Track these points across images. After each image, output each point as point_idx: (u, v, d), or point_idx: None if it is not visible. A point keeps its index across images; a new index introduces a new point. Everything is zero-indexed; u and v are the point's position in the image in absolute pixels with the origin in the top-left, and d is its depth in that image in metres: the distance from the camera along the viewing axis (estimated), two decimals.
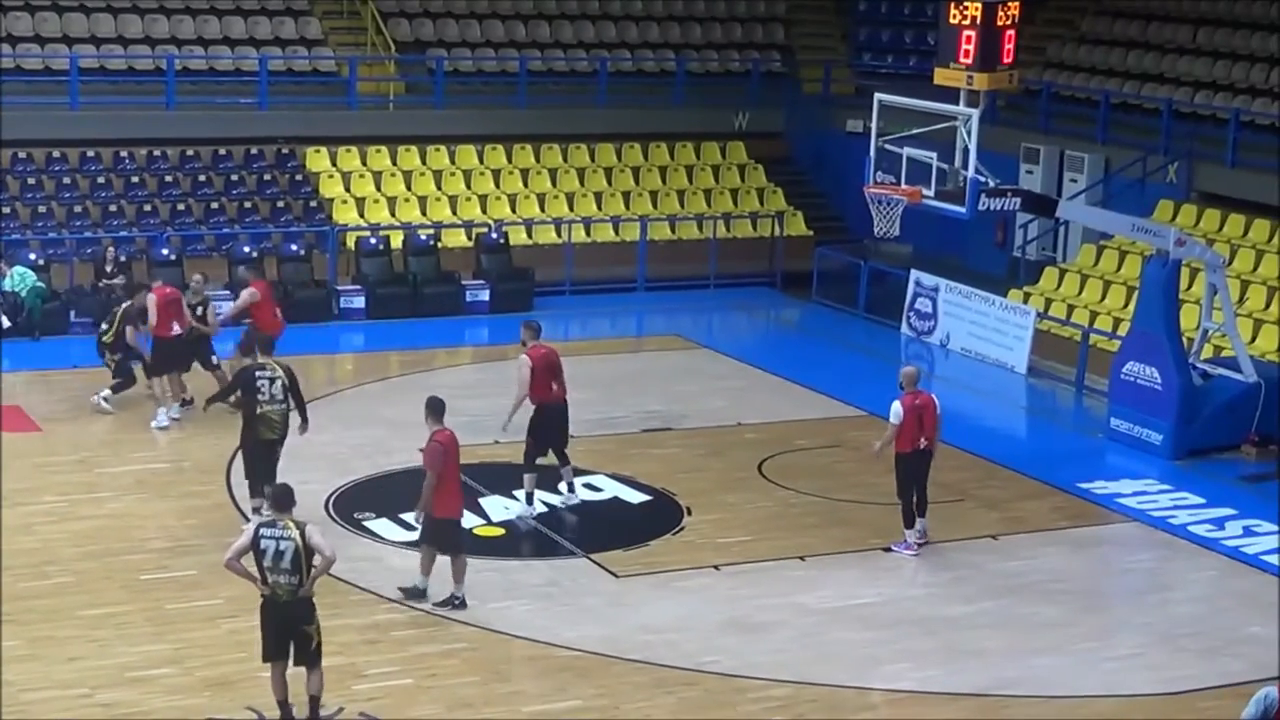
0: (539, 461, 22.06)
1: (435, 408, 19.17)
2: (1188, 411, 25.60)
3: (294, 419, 20.92)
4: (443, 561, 19.00)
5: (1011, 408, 28.99)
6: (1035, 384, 29.87)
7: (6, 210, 32.35)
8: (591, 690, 17.25)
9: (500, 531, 21.49)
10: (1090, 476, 24.67)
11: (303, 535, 15.66)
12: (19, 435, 24.29)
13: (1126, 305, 29.98)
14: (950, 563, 21.09)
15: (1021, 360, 30.17)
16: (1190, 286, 29.15)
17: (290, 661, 15.95)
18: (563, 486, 22.44)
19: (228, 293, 30.96)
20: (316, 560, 15.75)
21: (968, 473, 24.56)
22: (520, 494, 22.21)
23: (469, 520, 21.52)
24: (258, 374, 20.85)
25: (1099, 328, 29.99)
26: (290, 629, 15.84)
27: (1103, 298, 31.45)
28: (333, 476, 23.05)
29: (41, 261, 30.70)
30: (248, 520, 20.70)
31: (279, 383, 20.77)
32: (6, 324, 29.13)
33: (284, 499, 15.95)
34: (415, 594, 19.13)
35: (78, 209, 32.90)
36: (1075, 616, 19.73)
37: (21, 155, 33.35)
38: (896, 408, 21.09)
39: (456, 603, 19.02)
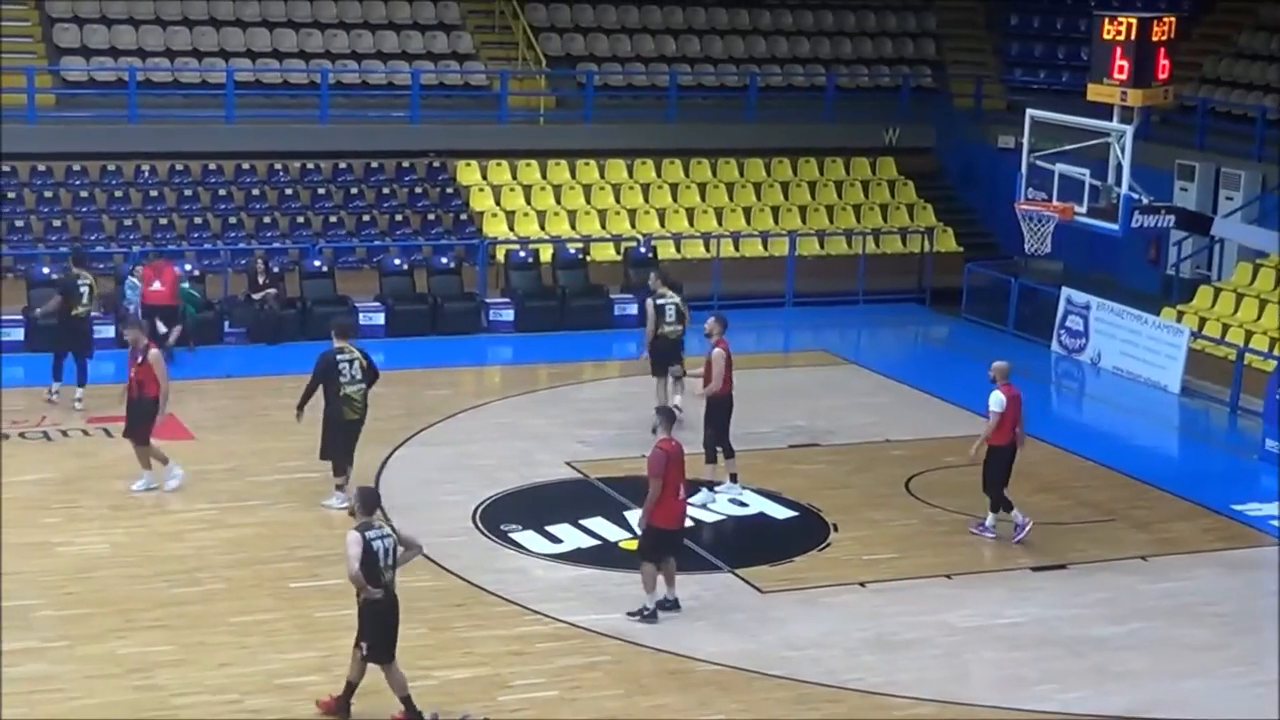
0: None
1: (666, 416, 19.46)
2: None
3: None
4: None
5: (1164, 427, 28.64)
6: (1188, 404, 29.50)
7: (164, 221, 32.87)
8: (734, 705, 17.22)
9: None
10: (1244, 498, 24.31)
11: (396, 532, 16.42)
12: (172, 443, 24.63)
13: None
14: (1099, 583, 20.86)
15: (1175, 380, 29.79)
16: None
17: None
18: (729, 483, 23.07)
19: (378, 304, 31.32)
20: (404, 552, 16.44)
21: (1118, 492, 24.32)
22: (721, 489, 22.96)
23: (615, 533, 21.64)
24: (339, 357, 21.95)
25: (1254, 347, 29.56)
26: (396, 622, 16.39)
27: (1258, 316, 30.99)
28: (480, 488, 23.19)
29: (197, 272, 31.15)
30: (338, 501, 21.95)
31: (357, 364, 21.96)
32: (162, 330, 29.51)
33: (374, 500, 16.60)
34: (646, 616, 19.09)
35: (232, 220, 33.36)
36: (1226, 639, 19.45)
37: (179, 167, 33.91)
38: (1000, 397, 21.72)
39: (668, 605, 19.24)
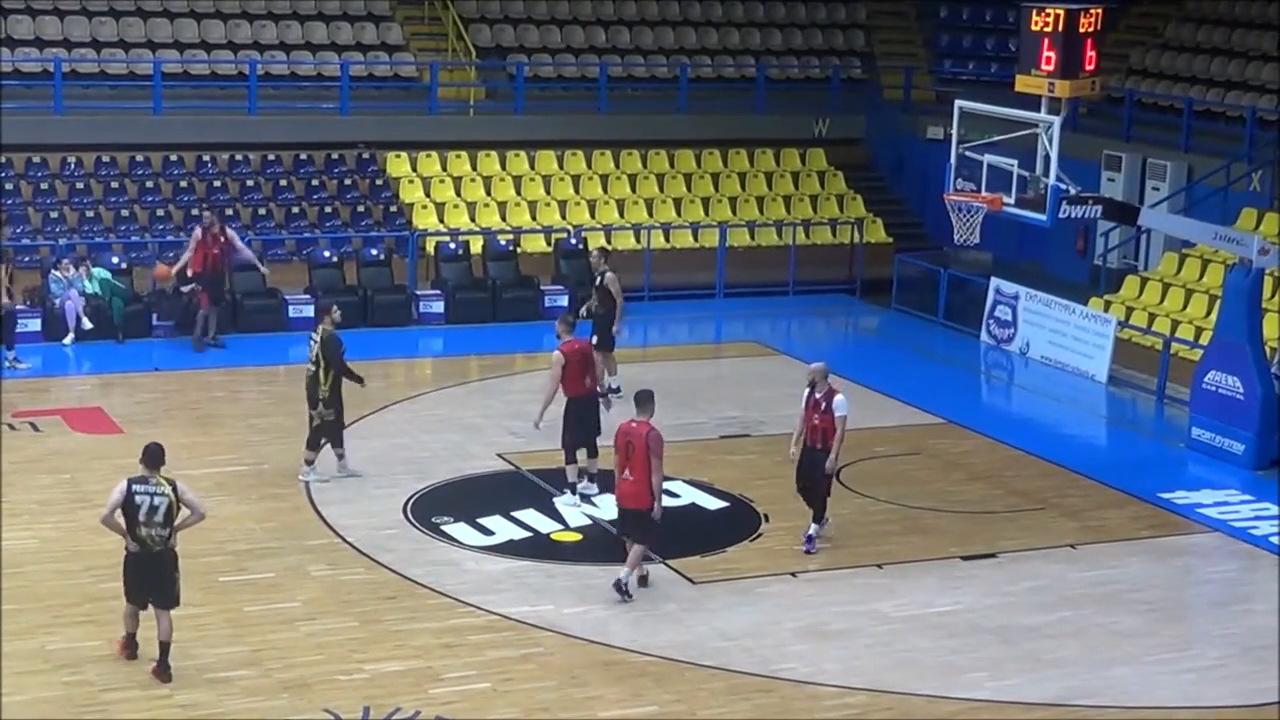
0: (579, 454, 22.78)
1: (637, 397, 19.81)
2: (1270, 421, 25.37)
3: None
4: None
5: (1092, 416, 28.80)
6: (1116, 393, 29.69)
7: (90, 214, 32.63)
8: (668, 696, 17.23)
9: (578, 537, 21.53)
10: (1171, 486, 24.50)
11: (175, 492, 16.83)
12: (100, 437, 24.48)
13: (1208, 314, 29.76)
14: (1029, 572, 20.97)
15: (1102, 369, 29.98)
16: (1273, 295, 28.94)
17: (148, 607, 17.15)
18: (586, 481, 22.76)
19: (308, 297, 31.21)
20: (184, 514, 16.93)
21: (1048, 481, 24.45)
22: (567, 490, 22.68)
23: (547, 525, 21.64)
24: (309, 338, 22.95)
25: (1180, 336, 29.77)
26: (157, 576, 16.96)
27: (1184, 306, 31.23)
28: (411, 480, 23.14)
29: (124, 265, 30.95)
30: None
31: (314, 348, 22.94)
32: (89, 325, 29.40)
33: (154, 457, 16.97)
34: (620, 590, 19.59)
35: (160, 213, 33.15)
36: (1155, 627, 19.58)
37: (105, 159, 33.66)
38: (846, 400, 21.05)
39: (622, 585, 19.56)
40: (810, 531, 21.15)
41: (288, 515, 21.75)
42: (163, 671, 17.00)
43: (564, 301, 32.50)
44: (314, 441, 22.93)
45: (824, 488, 21.16)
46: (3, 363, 27.38)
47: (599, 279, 27.02)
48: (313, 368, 22.73)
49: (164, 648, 17.05)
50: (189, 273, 29.42)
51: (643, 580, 19.76)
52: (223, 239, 29.38)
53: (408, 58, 37.28)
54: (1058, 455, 25.54)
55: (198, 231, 29.41)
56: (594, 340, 26.30)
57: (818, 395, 20.95)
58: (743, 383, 29.12)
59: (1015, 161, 25.17)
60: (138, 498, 16.75)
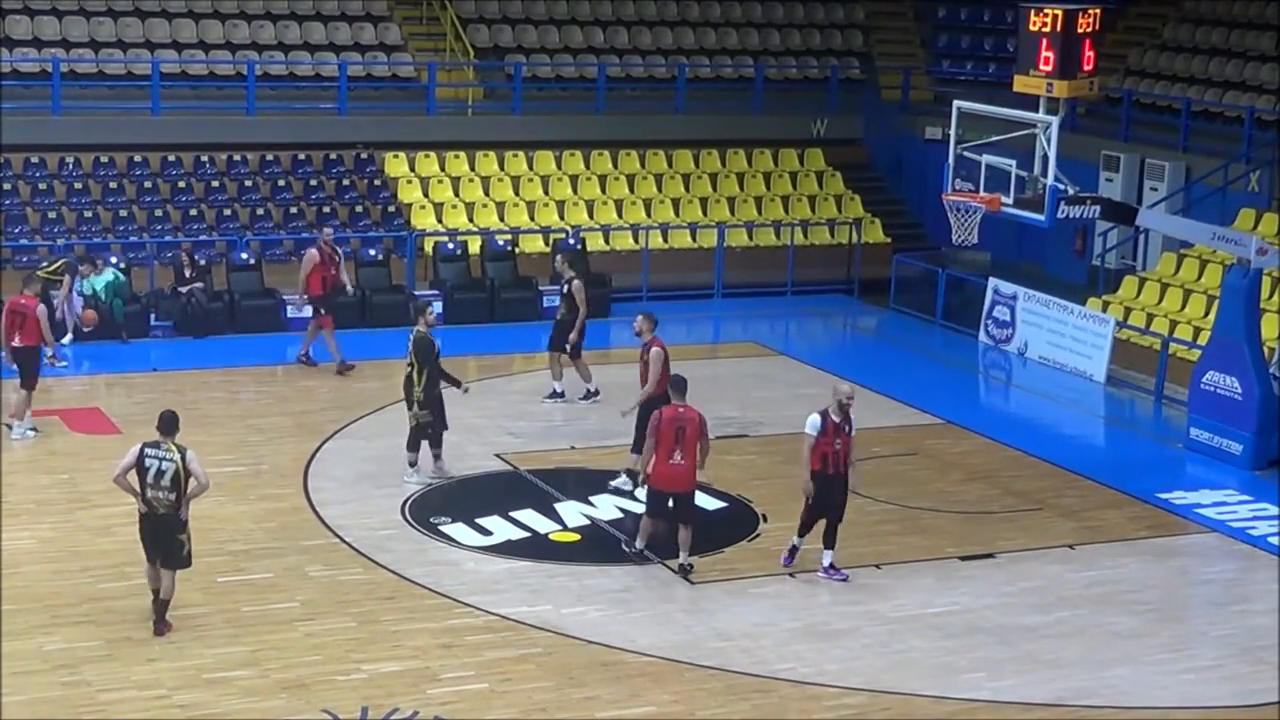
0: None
1: (675, 383, 20.60)
2: (1268, 421, 25.37)
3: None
4: None
5: (1090, 417, 28.80)
6: (1114, 393, 29.69)
7: (89, 214, 32.63)
8: (666, 696, 17.23)
9: (576, 537, 21.51)
10: (1169, 486, 24.50)
11: (183, 459, 17.56)
12: (99, 437, 24.47)
13: (1207, 314, 29.77)
14: (1027, 572, 20.96)
15: (1100, 369, 29.99)
16: (1271, 296, 28.94)
17: (160, 564, 17.95)
18: (624, 478, 22.95)
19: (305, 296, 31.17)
20: (192, 483, 17.62)
21: (1045, 481, 24.45)
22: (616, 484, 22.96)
23: (545, 525, 21.62)
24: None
25: (1179, 337, 29.77)
26: (165, 538, 17.73)
27: (1183, 306, 31.22)
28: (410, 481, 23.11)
29: (123, 265, 30.93)
30: None
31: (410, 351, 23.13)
32: (88, 327, 29.38)
33: (168, 423, 17.77)
34: (634, 555, 20.33)
35: (158, 213, 33.14)
36: (1153, 627, 19.58)
37: (104, 159, 33.64)
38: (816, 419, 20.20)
39: (686, 569, 20.21)
40: (828, 560, 20.52)
41: (286, 515, 21.74)
42: (160, 625, 17.88)
43: None
44: (414, 443, 22.93)
45: (843, 510, 20.54)
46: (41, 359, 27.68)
47: (565, 286, 27.09)
48: (408, 368, 22.78)
49: (163, 605, 17.94)
50: (304, 295, 28.70)
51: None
52: (335, 256, 29.16)
53: (406, 58, 37.29)
54: (1056, 456, 25.54)
55: (313, 252, 28.76)
56: (566, 348, 26.81)
57: (836, 419, 20.20)
58: (740, 383, 29.10)
59: (1013, 162, 25.18)
60: (147, 460, 17.53)
